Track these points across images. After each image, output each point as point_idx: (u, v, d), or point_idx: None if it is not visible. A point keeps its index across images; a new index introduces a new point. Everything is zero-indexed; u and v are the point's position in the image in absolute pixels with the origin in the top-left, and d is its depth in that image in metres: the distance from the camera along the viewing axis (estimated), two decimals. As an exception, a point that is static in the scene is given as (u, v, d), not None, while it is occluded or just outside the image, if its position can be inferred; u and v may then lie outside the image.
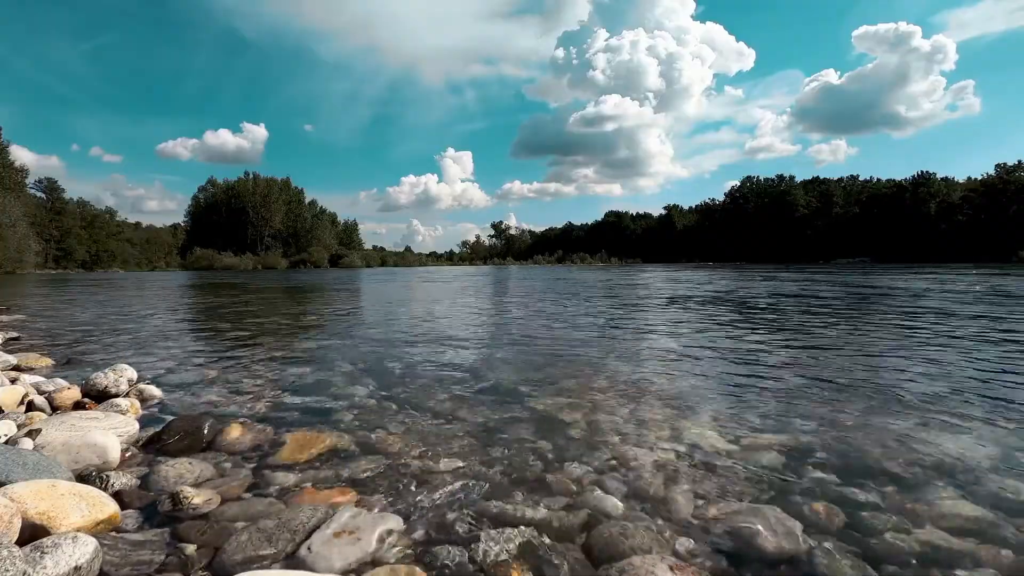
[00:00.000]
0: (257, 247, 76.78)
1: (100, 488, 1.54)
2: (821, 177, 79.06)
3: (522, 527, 1.40)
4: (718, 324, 5.86)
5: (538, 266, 73.88)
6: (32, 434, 1.80)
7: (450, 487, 1.64)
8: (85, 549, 1.15)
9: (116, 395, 2.55)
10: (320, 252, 76.31)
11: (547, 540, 1.35)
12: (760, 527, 1.38)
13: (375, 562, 1.25)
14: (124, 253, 66.67)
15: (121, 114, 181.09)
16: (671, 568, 1.20)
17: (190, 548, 1.30)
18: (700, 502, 1.54)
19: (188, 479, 1.68)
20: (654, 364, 3.64)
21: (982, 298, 8.54)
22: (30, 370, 3.28)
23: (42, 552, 1.10)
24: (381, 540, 1.32)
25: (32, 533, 1.22)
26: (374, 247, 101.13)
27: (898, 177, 67.76)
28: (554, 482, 1.69)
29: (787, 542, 1.33)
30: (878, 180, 72.99)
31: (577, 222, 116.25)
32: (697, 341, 4.59)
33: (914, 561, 1.25)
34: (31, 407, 2.33)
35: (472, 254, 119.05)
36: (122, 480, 1.64)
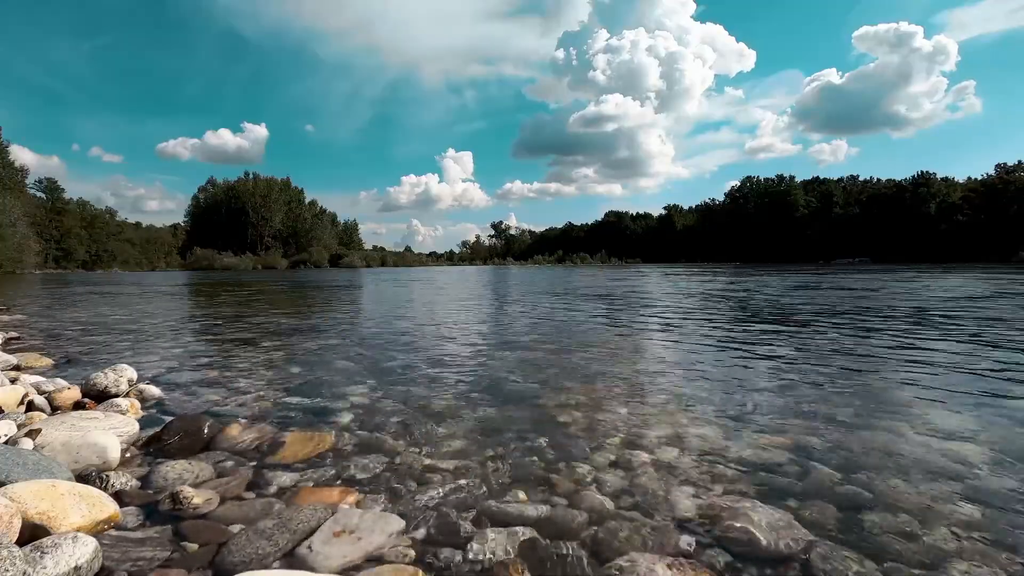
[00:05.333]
0: (257, 247, 76.79)
1: (100, 488, 1.54)
2: (821, 177, 79.21)
3: (522, 526, 1.40)
4: (718, 324, 5.86)
5: (538, 266, 73.87)
6: (32, 434, 1.80)
7: (450, 486, 1.64)
8: (85, 549, 1.15)
9: (116, 395, 2.55)
10: (320, 252, 76.37)
11: (547, 539, 1.35)
12: (760, 526, 1.38)
13: (375, 561, 1.25)
14: (124, 253, 66.50)
15: (121, 114, 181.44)
16: (671, 566, 1.20)
17: (191, 548, 1.30)
18: (700, 500, 1.54)
19: (188, 479, 1.68)
20: (654, 363, 3.65)
21: (983, 299, 8.54)
22: (30, 370, 3.27)
23: (42, 552, 1.10)
24: (381, 540, 1.32)
25: (32, 533, 1.22)
26: (374, 247, 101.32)
27: (898, 177, 67.84)
28: (554, 481, 1.69)
29: (786, 541, 1.32)
30: (878, 180, 72.96)
31: (577, 222, 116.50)
32: (697, 341, 4.59)
33: (914, 560, 1.25)
34: (31, 407, 2.32)
35: (472, 254, 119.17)
36: (122, 480, 1.64)
